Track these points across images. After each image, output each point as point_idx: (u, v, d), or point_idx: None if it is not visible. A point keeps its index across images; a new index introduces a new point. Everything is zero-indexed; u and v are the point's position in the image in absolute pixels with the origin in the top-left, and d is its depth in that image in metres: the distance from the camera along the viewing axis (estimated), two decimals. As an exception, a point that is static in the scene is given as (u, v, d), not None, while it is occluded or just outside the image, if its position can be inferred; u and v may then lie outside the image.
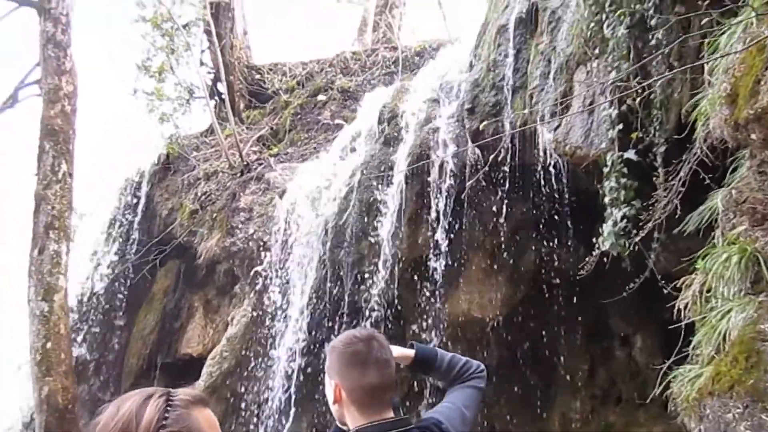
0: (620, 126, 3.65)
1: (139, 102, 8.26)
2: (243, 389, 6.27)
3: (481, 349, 5.78)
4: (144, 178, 8.14)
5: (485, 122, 5.23)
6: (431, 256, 5.66)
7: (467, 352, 5.53)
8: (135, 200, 8.06)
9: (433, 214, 5.66)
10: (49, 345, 5.81)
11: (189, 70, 8.61)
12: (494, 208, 5.54)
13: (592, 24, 3.90)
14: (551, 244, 5.44)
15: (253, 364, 6.23)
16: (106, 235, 7.99)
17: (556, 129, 4.39)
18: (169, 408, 1.36)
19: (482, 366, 2.26)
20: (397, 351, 2.18)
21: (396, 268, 5.75)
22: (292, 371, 6.01)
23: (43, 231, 6.03)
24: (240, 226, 6.50)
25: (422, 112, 6.22)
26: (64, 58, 6.50)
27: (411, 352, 2.25)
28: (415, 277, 5.79)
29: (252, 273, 6.34)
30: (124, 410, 1.37)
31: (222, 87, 8.60)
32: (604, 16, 3.76)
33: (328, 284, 6.08)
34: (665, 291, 3.33)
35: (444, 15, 12.22)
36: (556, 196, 5.07)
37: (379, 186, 5.93)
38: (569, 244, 5.35)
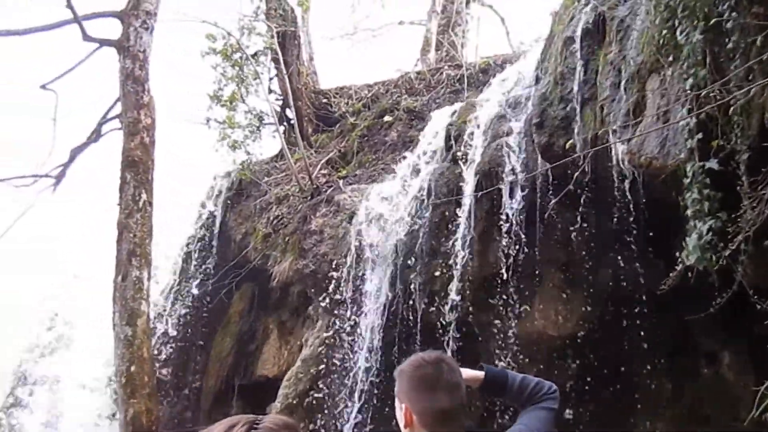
0: (699, 135, 3.49)
1: (212, 131, 8.57)
2: (319, 410, 6.29)
3: (557, 368, 5.62)
4: (218, 204, 8.40)
5: (555, 136, 5.15)
6: (503, 273, 5.58)
7: (543, 371, 5.41)
8: (210, 226, 8.32)
9: (504, 231, 5.58)
10: (133, 368, 6.03)
11: (258, 98, 8.88)
12: (567, 224, 5.42)
13: (664, 30, 3.77)
14: (628, 258, 5.25)
15: (327, 385, 6.25)
16: (184, 261, 8.27)
17: (629, 140, 4.27)
18: None
19: (554, 387, 2.21)
20: (467, 373, 2.16)
21: (468, 287, 5.70)
22: (367, 392, 6.01)
23: (126, 258, 6.30)
24: (312, 248, 6.59)
25: (489, 128, 6.17)
26: (143, 92, 6.82)
27: (481, 374, 2.22)
28: (488, 296, 5.71)
29: (324, 295, 6.40)
30: None
31: (290, 113, 8.81)
32: (676, 22, 3.63)
33: (400, 304, 6.07)
34: (758, 306, 3.15)
35: (507, 30, 12.17)
36: (632, 209, 4.90)
37: (449, 204, 5.91)
38: (647, 258, 5.15)
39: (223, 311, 8.11)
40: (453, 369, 1.97)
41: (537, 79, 6.49)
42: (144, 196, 6.46)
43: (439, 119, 6.89)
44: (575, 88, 5.11)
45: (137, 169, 6.55)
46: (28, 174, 7.87)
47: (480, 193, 5.64)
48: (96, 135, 7.44)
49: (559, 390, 2.23)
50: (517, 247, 5.54)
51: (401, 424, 1.99)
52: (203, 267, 8.12)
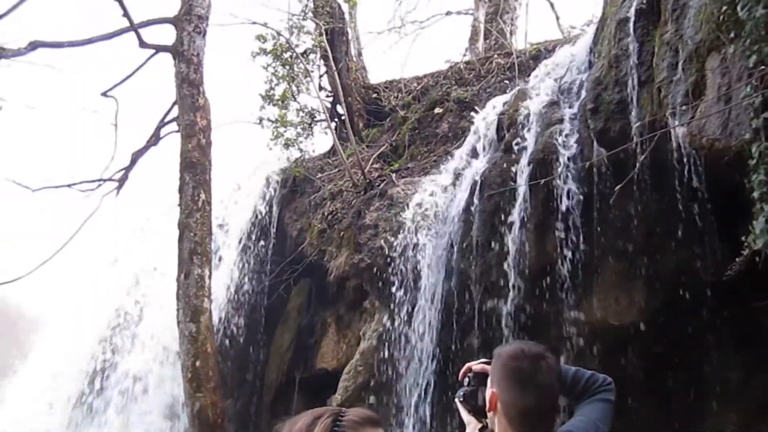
0: (765, 113, 3.36)
1: (265, 131, 8.74)
2: (379, 403, 6.35)
3: (618, 357, 5.50)
4: (274, 201, 8.55)
5: (610, 121, 5.04)
6: (561, 263, 5.49)
7: (603, 360, 5.30)
8: (267, 223, 8.48)
9: (560, 220, 5.49)
10: (198, 363, 6.22)
11: (309, 96, 9.00)
12: (626, 210, 5.28)
13: (724, 6, 3.64)
14: (691, 244, 5.08)
15: (387, 377, 6.29)
16: (242, 258, 8.45)
17: (689, 122, 4.14)
18: (335, 429, 1.42)
19: (609, 379, 2.16)
20: None
21: (524, 277, 5.63)
22: (426, 384, 6.03)
23: (188, 257, 6.49)
24: (367, 242, 6.64)
25: (542, 116, 6.08)
26: (198, 95, 7.00)
27: None
28: (545, 286, 5.63)
29: (380, 288, 6.44)
30: (298, 426, 1.44)
31: (341, 109, 8.88)
32: (737, -3, 3.50)
33: (456, 296, 6.06)
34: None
35: (557, 15, 11.93)
36: (693, 193, 4.75)
37: (502, 194, 5.85)
38: (711, 244, 4.98)
39: (282, 307, 8.26)
40: (551, 368, 1.93)
41: (590, 64, 6.37)
42: (203, 196, 6.64)
43: (491, 108, 6.81)
44: (631, 71, 4.99)
45: (195, 170, 6.73)
46: (93, 179, 8.20)
47: (534, 182, 5.57)
48: (155, 138, 7.67)
49: (621, 380, 2.18)
50: (574, 235, 5.45)
51: (486, 406, 1.98)
52: (261, 264, 8.28)
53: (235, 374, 8.10)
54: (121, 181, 7.88)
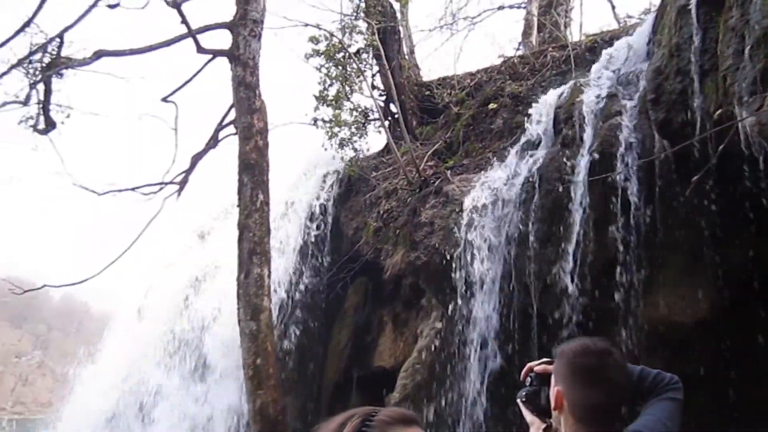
0: (840, 100, 3.20)
1: (319, 131, 8.84)
2: (437, 401, 6.33)
3: (685, 356, 5.33)
4: (329, 201, 8.64)
5: (672, 111, 4.89)
6: (623, 258, 5.36)
7: (669, 357, 5.15)
8: (323, 223, 8.58)
9: (621, 214, 5.36)
10: (258, 361, 6.33)
11: (362, 95, 9.05)
12: (690, 203, 5.11)
13: (794, -11, 3.48)
14: (761, 238, 4.89)
15: (445, 376, 6.27)
16: (299, 258, 8.57)
17: (758, 110, 3.98)
18: (364, 429, 1.42)
19: (676, 377, 2.09)
20: None
21: (585, 273, 5.52)
22: (484, 382, 5.98)
23: (247, 257, 6.61)
24: (423, 240, 6.63)
25: (600, 108, 5.94)
26: (254, 98, 7.13)
27: None
28: (607, 282, 5.50)
29: (437, 286, 6.43)
30: (327, 428, 1.46)
31: (394, 107, 8.89)
32: (808, -21, 3.35)
33: (515, 293, 5.99)
34: None
35: (613, 5, 11.66)
36: (762, 185, 4.56)
37: (561, 189, 5.75)
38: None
39: (339, 305, 8.34)
40: (619, 365, 1.90)
41: (649, 53, 6.19)
42: (261, 196, 6.76)
43: (547, 102, 6.71)
44: (693, 59, 4.83)
45: (253, 171, 6.85)
46: (155, 182, 8.46)
47: (594, 177, 5.46)
48: (214, 141, 7.86)
49: (690, 377, 2.12)
50: (636, 230, 5.31)
51: (551, 404, 1.97)
52: (318, 263, 8.38)
53: (295, 372, 8.22)
54: (182, 184, 8.10)
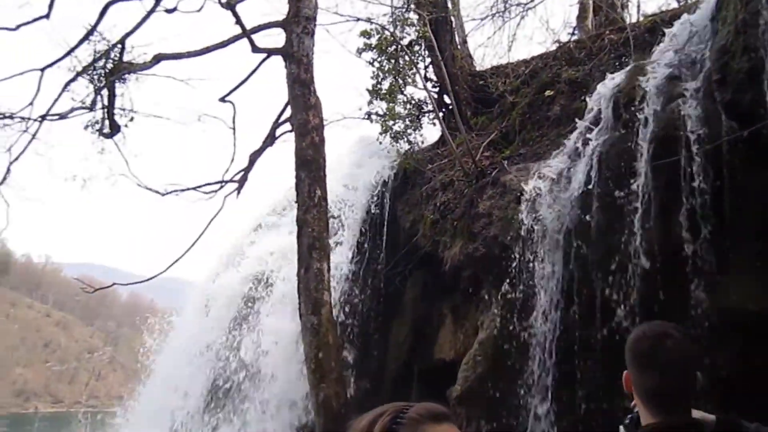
0: None
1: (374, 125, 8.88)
2: (500, 393, 6.28)
3: (757, 346, 5.12)
4: (386, 194, 8.66)
5: (740, 91, 4.70)
6: (690, 245, 5.18)
7: (741, 350, 4.96)
8: (379, 216, 8.61)
9: (687, 200, 5.18)
10: (320, 355, 6.43)
11: (415, 87, 9.03)
12: (761, 188, 4.91)
13: None
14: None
15: (506, 368, 6.21)
16: (357, 252, 8.63)
17: (836, 86, 3.78)
18: (394, 426, 1.41)
19: None
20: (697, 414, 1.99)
21: (649, 262, 5.37)
22: (548, 374, 5.90)
23: (307, 251, 6.71)
24: (481, 231, 6.57)
25: (662, 91, 5.75)
26: (309, 94, 7.20)
27: (710, 418, 2.02)
28: (673, 270, 5.33)
29: (496, 277, 6.37)
30: (358, 428, 1.46)
31: (448, 98, 8.84)
32: None
33: (576, 283, 5.88)
34: None
35: (673, -18, 11.24)
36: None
37: (622, 175, 5.60)
38: None
39: (398, 298, 8.36)
40: (676, 347, 1.89)
41: (714, 32, 5.95)
42: (318, 192, 6.84)
43: (606, 87, 6.53)
44: (762, 36, 4.63)
45: (310, 167, 6.94)
46: (215, 181, 8.68)
47: (658, 162, 5.30)
48: (271, 139, 7.99)
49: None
50: (704, 215, 5.13)
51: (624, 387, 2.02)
52: (376, 256, 8.42)
53: (355, 365, 8.29)
54: (241, 182, 8.27)
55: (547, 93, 7.80)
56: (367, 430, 1.44)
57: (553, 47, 8.83)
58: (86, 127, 8.62)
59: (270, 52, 7.72)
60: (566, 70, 7.94)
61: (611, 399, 5.14)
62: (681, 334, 1.95)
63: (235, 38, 7.78)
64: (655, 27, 7.78)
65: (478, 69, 9.59)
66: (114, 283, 10.61)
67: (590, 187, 5.87)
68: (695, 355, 1.98)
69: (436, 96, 9.15)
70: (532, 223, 6.14)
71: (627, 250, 5.45)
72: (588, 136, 6.40)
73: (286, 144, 8.11)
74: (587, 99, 6.76)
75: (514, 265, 6.21)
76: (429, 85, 9.11)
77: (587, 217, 5.79)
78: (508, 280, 6.22)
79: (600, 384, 5.39)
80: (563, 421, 5.80)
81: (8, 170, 8.62)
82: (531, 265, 6.12)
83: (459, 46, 9.49)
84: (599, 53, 8.01)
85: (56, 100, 8.32)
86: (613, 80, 6.53)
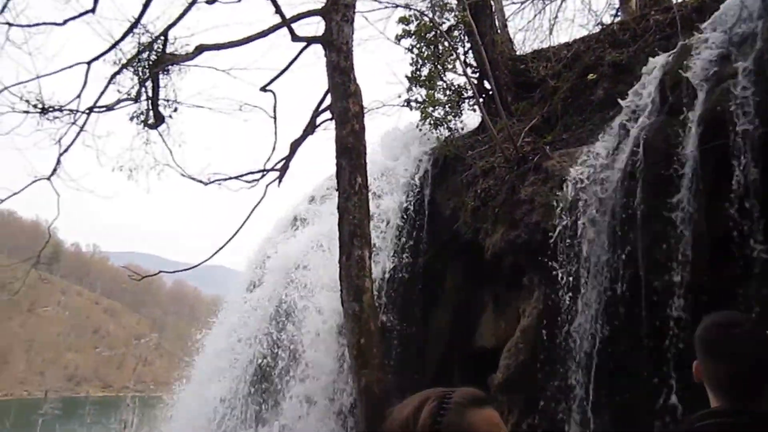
0: None
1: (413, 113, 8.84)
2: (542, 382, 6.23)
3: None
4: (425, 182, 8.63)
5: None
6: (738, 232, 5.04)
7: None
8: (419, 204, 8.59)
9: (737, 184, 5.03)
10: (362, 341, 6.48)
11: (455, 73, 8.95)
12: (816, 170, 4.74)
13: None
14: None
15: (549, 356, 6.16)
16: (397, 239, 8.64)
17: None
18: (441, 412, 1.42)
19: None
20: None
21: (697, 249, 5.24)
22: (591, 362, 5.82)
23: (348, 239, 6.75)
24: (523, 218, 6.51)
25: (711, 72, 5.58)
26: (349, 82, 7.21)
27: None
28: (722, 257, 5.20)
29: (539, 264, 6.30)
30: (403, 414, 1.47)
31: (489, 84, 8.74)
32: None
33: (622, 271, 5.78)
34: None
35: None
36: None
37: (669, 160, 5.47)
38: None
39: (439, 286, 8.35)
40: (745, 336, 1.88)
41: (765, 8, 5.74)
42: (359, 179, 6.86)
43: (651, 69, 6.37)
44: (817, 13, 4.45)
45: (351, 155, 6.96)
46: (256, 170, 8.79)
47: (706, 146, 5.15)
48: (311, 127, 8.04)
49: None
50: (755, 200, 4.98)
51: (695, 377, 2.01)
52: (416, 244, 8.42)
53: (397, 352, 8.33)
54: (283, 170, 8.35)
55: (590, 77, 7.64)
56: (413, 416, 1.45)
57: (596, 29, 8.64)
58: (131, 118, 8.81)
59: (310, 41, 7.75)
60: (610, 53, 7.76)
61: (656, 389, 5.07)
62: (752, 323, 1.97)
63: (275, 27, 7.83)
64: (703, 6, 7.53)
65: (518, 53, 9.46)
66: (160, 271, 10.89)
67: (635, 172, 5.75)
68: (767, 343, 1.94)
69: (476, 82, 9.05)
70: (575, 209, 6.05)
71: (674, 236, 5.33)
72: (633, 120, 6.27)
73: (327, 132, 8.19)
74: (632, 82, 6.61)
75: (557, 252, 6.13)
76: (469, 70, 9.02)
77: (633, 203, 5.68)
78: (550, 267, 6.15)
79: (645, 373, 5.31)
80: (605, 409, 5.74)
81: (58, 161, 8.88)
82: (574, 252, 6.03)
83: (499, 31, 9.36)
84: (644, 34, 7.80)
85: (103, 92, 8.53)
86: (659, 62, 6.37)
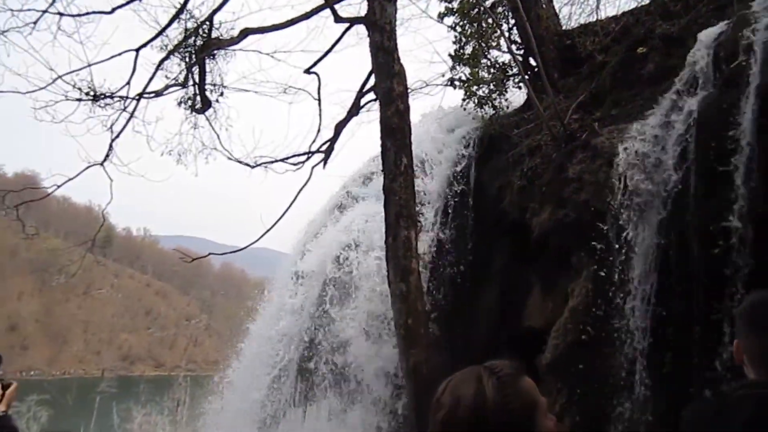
0: None
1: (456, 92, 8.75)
2: (590, 361, 6.16)
3: None
4: (471, 161, 8.56)
5: None
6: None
7: None
8: (465, 184, 8.53)
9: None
10: (410, 321, 6.52)
11: (499, 51, 8.81)
12: None
13: None
14: None
15: (598, 337, 6.07)
16: (443, 219, 8.61)
17: None
18: (503, 385, 1.45)
19: None
20: None
21: (753, 228, 5.08)
22: (641, 343, 5.73)
23: (394, 220, 6.76)
24: (571, 196, 6.40)
25: (769, 42, 5.37)
26: (392, 62, 7.18)
27: None
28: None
29: (587, 244, 6.20)
30: (466, 396, 1.48)
31: (534, 60, 8.58)
32: None
33: (673, 251, 5.64)
34: None
35: None
36: None
37: (723, 135, 5.29)
38: None
39: (485, 266, 8.30)
40: None
41: (829, -25, 5.49)
42: (404, 160, 6.85)
43: (705, 40, 6.16)
44: None
45: (396, 135, 6.95)
46: (302, 152, 8.87)
47: (764, 120, 4.98)
48: (355, 109, 8.05)
49: None
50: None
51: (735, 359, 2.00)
52: (462, 224, 8.38)
53: (444, 332, 8.34)
54: (328, 152, 8.40)
55: (640, 50, 7.41)
56: (477, 396, 1.48)
57: (646, 1, 8.36)
58: (179, 103, 8.99)
59: (353, 22, 7.74)
60: (660, 25, 7.51)
61: (710, 370, 4.96)
62: None
63: (318, 9, 7.84)
64: (760, -27, 7.23)
65: (564, 28, 9.24)
66: (210, 253, 11.10)
67: (688, 148, 5.59)
68: None
69: (521, 58, 8.89)
70: (625, 187, 5.93)
71: (728, 214, 5.18)
72: (686, 93, 6.08)
73: (371, 114, 8.19)
74: (685, 55, 6.39)
75: (606, 230, 6.02)
76: (513, 47, 8.86)
77: (686, 179, 5.53)
78: (600, 247, 6.04)
79: (697, 355, 5.20)
80: (654, 391, 5.65)
81: (111, 147, 9.12)
82: (624, 231, 5.91)
83: (544, 6, 9.15)
84: (697, 5, 7.52)
85: (151, 78, 8.72)
86: (713, 33, 6.15)
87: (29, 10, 8.52)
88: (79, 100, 8.78)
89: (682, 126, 5.72)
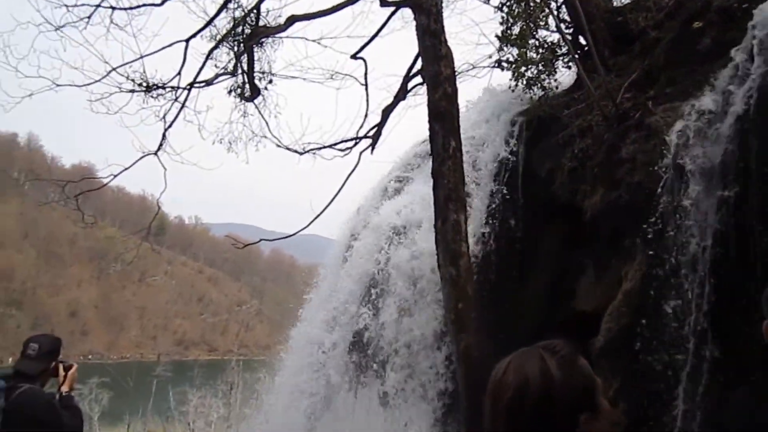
0: None
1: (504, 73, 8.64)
2: (644, 345, 6.05)
3: None
4: (520, 144, 8.45)
5: None
6: None
7: None
8: (514, 166, 8.43)
9: None
10: (460, 305, 6.51)
11: (548, 30, 8.64)
12: None
13: None
14: None
15: (653, 321, 5.95)
16: (492, 202, 8.54)
17: None
18: (566, 363, 1.46)
19: None
20: None
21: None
22: (697, 328, 5.60)
23: (443, 203, 6.75)
24: (624, 177, 6.27)
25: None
26: (439, 45, 7.12)
27: None
28: None
29: (641, 226, 6.07)
30: (532, 371, 1.49)
31: (584, 39, 8.39)
32: None
33: (732, 234, 5.48)
34: None
35: None
36: None
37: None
38: None
39: (535, 249, 8.21)
40: None
41: None
42: (453, 143, 6.81)
43: (765, 13, 5.91)
44: None
45: (444, 119, 6.90)
46: (349, 137, 8.91)
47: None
48: (403, 93, 8.03)
49: None
50: None
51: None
52: (512, 207, 8.30)
53: (494, 316, 8.30)
54: (375, 137, 8.41)
55: (696, 25, 7.16)
56: (544, 377, 1.50)
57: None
58: (229, 92, 9.14)
59: (398, 5, 7.70)
60: (717, -2, 7.25)
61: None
62: None
63: (362, -6, 7.84)
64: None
65: (615, 5, 9.00)
66: (261, 239, 11.30)
67: (748, 126, 5.41)
68: None
69: (570, 37, 8.69)
70: (681, 167, 5.77)
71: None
72: (744, 69, 5.86)
73: (417, 98, 8.16)
74: (744, 28, 6.15)
75: (661, 212, 5.88)
76: (563, 26, 8.67)
77: (745, 160, 5.35)
78: (654, 229, 5.91)
79: (755, 341, 5.05)
80: (709, 375, 5.52)
81: (164, 137, 9.35)
82: (680, 212, 5.76)
83: (595, -18, 8.93)
84: (757, -25, 7.23)
85: (201, 68, 8.88)
86: (776, 3, 5.91)
87: (83, 5, 8.76)
88: (133, 91, 9.01)
89: (740, 102, 5.53)
